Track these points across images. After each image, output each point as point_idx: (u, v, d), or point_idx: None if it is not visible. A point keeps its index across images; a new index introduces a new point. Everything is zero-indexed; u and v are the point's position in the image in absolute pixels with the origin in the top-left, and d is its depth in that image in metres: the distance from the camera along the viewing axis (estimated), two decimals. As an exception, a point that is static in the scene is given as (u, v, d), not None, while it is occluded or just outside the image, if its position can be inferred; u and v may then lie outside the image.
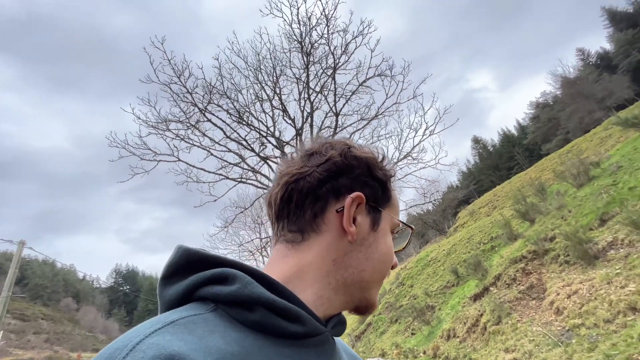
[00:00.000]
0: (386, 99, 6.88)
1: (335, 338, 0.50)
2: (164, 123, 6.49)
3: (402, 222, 0.55)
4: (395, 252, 0.54)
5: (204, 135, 7.06)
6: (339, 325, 0.49)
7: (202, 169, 7.04)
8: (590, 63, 43.20)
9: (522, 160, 43.51)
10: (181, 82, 6.10)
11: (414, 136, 7.05)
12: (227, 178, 7.46)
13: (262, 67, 7.74)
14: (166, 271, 0.42)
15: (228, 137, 7.16)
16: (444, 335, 7.62)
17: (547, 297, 5.91)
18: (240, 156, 7.70)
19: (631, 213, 5.25)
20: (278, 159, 7.91)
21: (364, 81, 6.71)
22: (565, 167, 10.42)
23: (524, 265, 7.30)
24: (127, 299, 71.11)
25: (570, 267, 5.97)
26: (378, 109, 7.10)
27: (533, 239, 7.63)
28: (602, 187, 7.72)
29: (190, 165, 6.90)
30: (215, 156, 7.26)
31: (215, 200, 7.20)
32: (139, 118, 6.06)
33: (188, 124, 6.78)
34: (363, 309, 0.51)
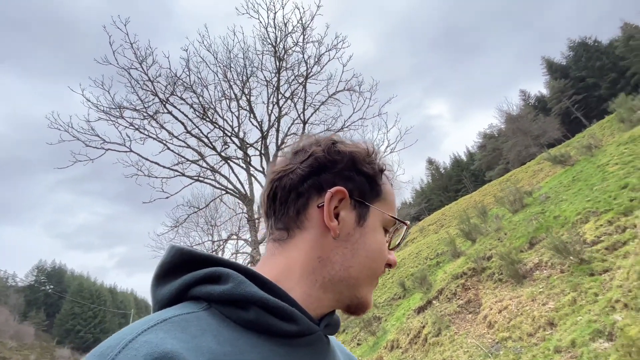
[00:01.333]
0: (353, 113, 7.10)
1: (330, 337, 0.51)
2: (118, 109, 5.99)
3: (395, 218, 0.51)
4: (390, 249, 0.52)
5: (162, 127, 6.64)
6: (332, 324, 0.49)
7: (155, 163, 6.59)
8: (530, 104, 48.88)
9: (468, 184, 47.45)
10: (142, 68, 5.70)
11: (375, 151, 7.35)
12: (183, 175, 7.08)
13: (232, 65, 7.56)
14: (159, 271, 0.41)
15: (188, 132, 6.83)
16: (387, 345, 7.88)
17: (482, 311, 6.43)
18: (200, 153, 7.36)
19: (554, 239, 5.96)
20: (240, 160, 7.71)
21: (334, 93, 6.87)
22: (504, 194, 11.56)
23: (464, 281, 7.89)
24: (50, 300, 62.81)
25: (503, 284, 6.58)
26: (345, 121, 7.28)
27: (473, 257, 8.30)
28: (532, 215, 8.68)
29: (143, 157, 6.43)
30: (172, 151, 6.86)
31: (167, 198, 6.77)
32: (89, 101, 5.52)
33: (145, 114, 6.34)
34: (355, 308, 0.48)
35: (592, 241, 5.62)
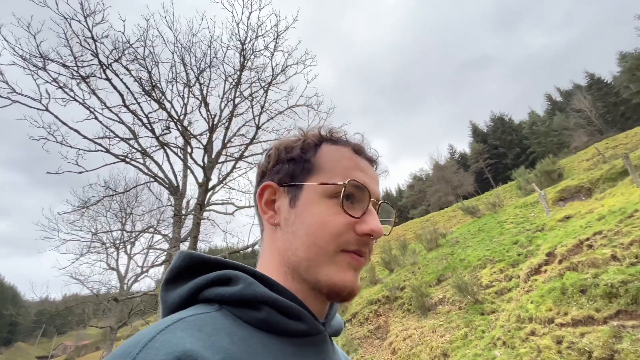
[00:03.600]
0: (307, 129, 7.20)
1: (333, 340, 0.52)
2: (42, 59, 5.09)
3: (327, 183, 0.47)
4: (359, 216, 0.46)
5: (94, 92, 5.81)
6: (337, 326, 0.51)
7: (75, 131, 5.69)
8: (455, 158, 56.01)
9: (395, 217, 51.42)
10: (87, 23, 4.98)
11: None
12: (107, 152, 6.24)
13: (192, 49, 7.13)
14: (169, 275, 0.43)
15: (126, 105, 6.11)
16: (295, 365, 7.80)
17: (389, 338, 6.84)
18: (133, 132, 6.62)
19: (458, 279, 6.76)
20: (179, 149, 7.15)
21: (293, 106, 6.91)
22: (423, 232, 12.80)
23: (377, 307, 8.35)
24: None
25: (411, 314, 7.16)
26: (297, 135, 7.35)
27: (389, 286, 8.88)
28: (443, 255, 9.75)
29: (61, 121, 5.51)
30: (100, 122, 6.02)
31: (80, 173, 5.85)
32: (6, 40, 4.57)
33: (76, 73, 5.50)
34: (331, 293, 0.45)
35: (486, 285, 6.53)
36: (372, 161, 0.54)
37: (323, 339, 0.45)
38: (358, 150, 0.52)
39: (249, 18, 6.97)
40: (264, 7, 7.04)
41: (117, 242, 11.27)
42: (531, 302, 4.48)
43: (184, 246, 7.21)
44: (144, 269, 12.01)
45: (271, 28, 7.03)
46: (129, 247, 12.64)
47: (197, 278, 0.41)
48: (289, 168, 0.51)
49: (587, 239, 4.81)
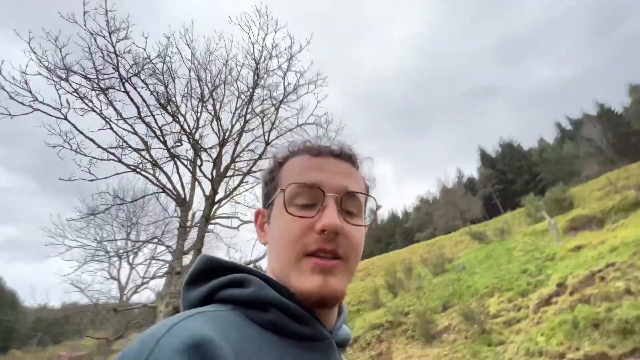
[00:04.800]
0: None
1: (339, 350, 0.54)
2: (65, 70, 5.35)
3: (271, 194, 0.53)
4: (302, 215, 0.46)
5: (111, 104, 6.04)
6: (344, 335, 0.54)
7: (91, 140, 5.88)
8: (463, 182, 55.57)
9: (399, 240, 50.55)
10: (111, 39, 5.26)
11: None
12: (119, 161, 6.39)
13: (208, 66, 7.41)
14: (190, 277, 0.47)
15: (141, 117, 6.31)
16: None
17: (391, 366, 6.56)
18: (146, 143, 6.80)
19: (464, 306, 6.53)
20: (189, 161, 7.28)
21: (303, 124, 7.03)
22: (429, 257, 12.54)
23: (380, 332, 8.07)
24: None
25: (414, 342, 6.89)
26: (305, 153, 7.43)
27: (393, 311, 8.62)
28: (450, 280, 9.48)
29: (78, 129, 5.71)
30: (115, 132, 6.22)
31: (92, 181, 5.98)
32: (34, 51, 4.83)
33: (96, 85, 5.75)
34: (306, 301, 0.44)
35: (494, 314, 6.29)
36: (337, 155, 0.53)
37: (329, 346, 0.47)
38: (316, 152, 0.52)
39: (264, 39, 7.26)
40: (280, 30, 7.34)
41: (121, 251, 11.28)
42: (541, 335, 4.28)
43: (187, 259, 7.18)
44: (145, 280, 11.93)
45: (285, 49, 7.29)
46: (131, 257, 12.63)
47: (213, 280, 0.45)
48: (266, 190, 0.56)
49: (600, 271, 4.65)
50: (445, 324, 6.83)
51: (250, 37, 7.24)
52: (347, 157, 0.54)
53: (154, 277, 11.27)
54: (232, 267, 0.46)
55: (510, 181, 48.20)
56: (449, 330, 6.61)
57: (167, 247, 8.89)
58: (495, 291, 7.26)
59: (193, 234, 7.64)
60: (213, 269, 0.46)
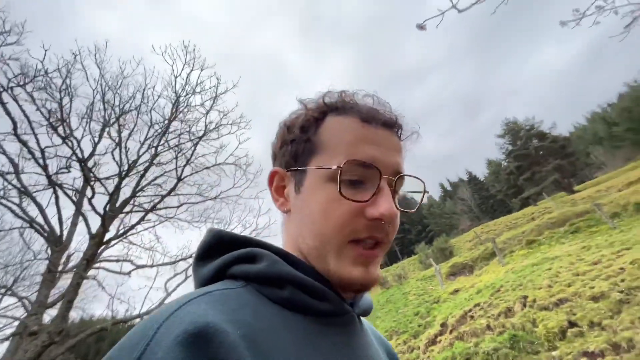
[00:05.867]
0: (232, 187, 7.14)
1: (364, 321, 0.51)
2: None
3: (324, 168, 0.43)
4: (366, 200, 0.42)
5: (-27, 113, 4.90)
6: (366, 305, 0.50)
7: None
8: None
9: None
10: (-6, 40, 4.43)
11: (242, 232, 7.30)
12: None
13: (119, 89, 6.80)
14: (200, 252, 0.43)
15: (16, 134, 5.25)
16: None
17: None
18: (16, 166, 5.59)
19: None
20: (74, 192, 6.17)
21: (222, 163, 6.89)
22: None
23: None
24: None
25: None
26: (220, 192, 7.17)
27: None
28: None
29: None
30: (-29, 148, 4.99)
31: None
32: None
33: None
34: (346, 286, 0.43)
35: (391, 357, 6.68)
36: (390, 126, 0.46)
37: (350, 320, 0.44)
38: (367, 119, 0.45)
39: (189, 75, 7.17)
40: (207, 68, 7.39)
41: None
42: (429, 373, 4.74)
43: (48, 315, 5.71)
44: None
45: (210, 88, 7.31)
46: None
47: (224, 255, 0.41)
48: (292, 150, 0.47)
49: (470, 310, 5.58)
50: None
51: (173, 70, 7.07)
52: (398, 129, 0.47)
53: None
54: (243, 241, 0.43)
55: (407, 231, 54.82)
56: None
57: (20, 299, 6.95)
58: (394, 334, 7.78)
59: (65, 281, 6.21)
60: (223, 242, 0.43)
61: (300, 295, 0.39)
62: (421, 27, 2.26)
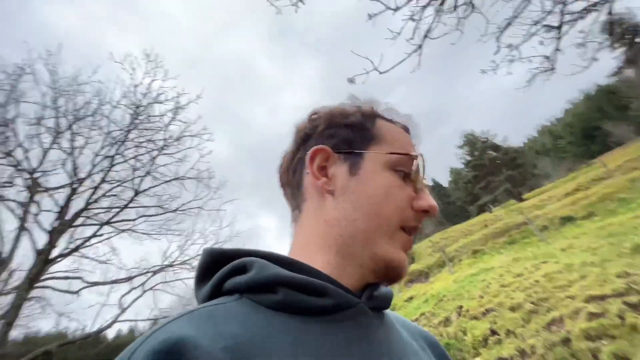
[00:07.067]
0: (193, 200, 7.13)
1: (390, 313, 0.50)
2: None
3: (399, 153, 0.47)
4: (418, 191, 0.47)
5: None
6: (378, 296, 0.46)
7: None
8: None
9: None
10: None
11: (203, 244, 7.28)
12: None
13: (72, 97, 6.57)
14: (197, 274, 0.44)
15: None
16: None
17: None
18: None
19: None
20: (19, 206, 5.86)
21: (182, 177, 6.85)
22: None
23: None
24: None
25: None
26: (182, 204, 7.13)
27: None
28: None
29: None
30: None
31: None
32: None
33: None
34: (382, 271, 0.44)
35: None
36: (417, 142, 0.53)
37: (359, 312, 0.41)
38: (406, 129, 0.52)
39: (150, 84, 7.08)
40: (170, 79, 7.34)
41: None
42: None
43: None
44: None
45: (172, 99, 7.26)
46: None
47: (217, 272, 0.41)
48: (347, 134, 0.48)
49: (417, 319, 6.02)
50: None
51: (132, 79, 6.96)
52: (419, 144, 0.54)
53: None
54: (234, 254, 0.42)
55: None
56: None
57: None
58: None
59: (4, 300, 5.86)
60: (216, 261, 0.42)
61: (296, 295, 0.38)
62: (351, 80, 2.59)
